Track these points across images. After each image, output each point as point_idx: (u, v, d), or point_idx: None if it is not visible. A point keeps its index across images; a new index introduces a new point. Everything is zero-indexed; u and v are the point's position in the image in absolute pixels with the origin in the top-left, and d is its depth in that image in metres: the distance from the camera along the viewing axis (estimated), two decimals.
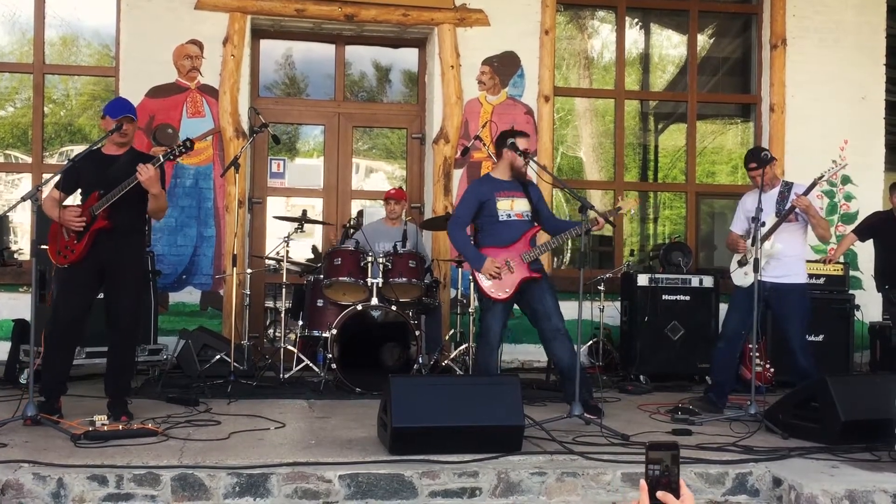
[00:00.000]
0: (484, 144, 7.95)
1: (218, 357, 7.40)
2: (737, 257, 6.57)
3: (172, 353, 7.48)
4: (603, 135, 10.19)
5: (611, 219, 6.21)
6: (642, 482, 2.04)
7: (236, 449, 4.83)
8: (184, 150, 5.75)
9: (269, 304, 9.30)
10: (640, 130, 10.89)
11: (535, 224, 6.26)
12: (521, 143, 6.26)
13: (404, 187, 9.46)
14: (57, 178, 5.74)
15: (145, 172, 5.53)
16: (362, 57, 9.72)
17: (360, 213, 9.15)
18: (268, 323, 9.32)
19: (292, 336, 7.95)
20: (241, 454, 4.69)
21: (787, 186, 6.52)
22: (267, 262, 8.25)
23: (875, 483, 4.44)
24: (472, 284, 7.51)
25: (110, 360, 5.90)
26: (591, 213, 5.97)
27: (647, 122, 11.02)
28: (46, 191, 5.66)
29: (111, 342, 5.91)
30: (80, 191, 5.79)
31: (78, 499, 4.22)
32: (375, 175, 10.61)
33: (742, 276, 6.50)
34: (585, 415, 5.71)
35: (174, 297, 8.66)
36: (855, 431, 5.18)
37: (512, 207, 6.20)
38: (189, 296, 8.70)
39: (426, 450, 4.68)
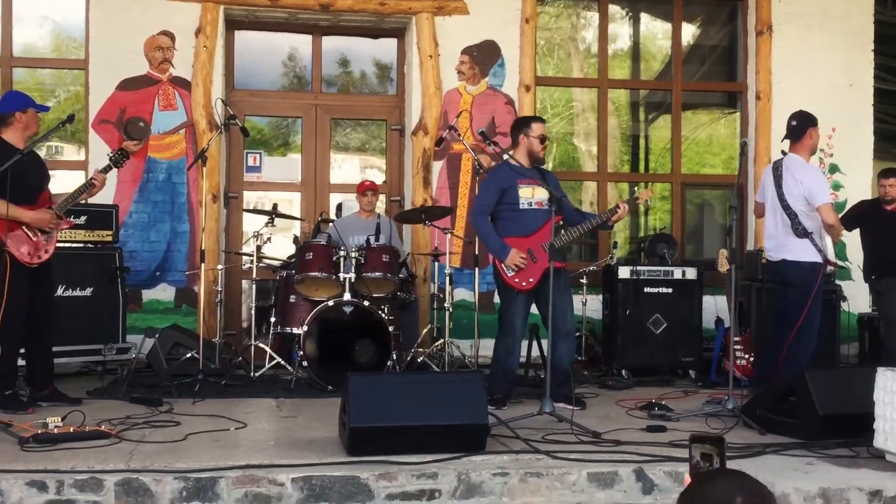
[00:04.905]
0: (459, 134, 7.75)
1: (189, 355, 7.21)
2: None
3: (139, 351, 7.29)
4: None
5: (625, 209, 6.22)
6: (686, 476, 2.00)
7: (190, 451, 4.65)
8: (124, 158, 6.24)
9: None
10: (630, 121, 10.72)
11: (557, 213, 6.11)
12: (537, 129, 6.28)
13: (384, 180, 9.31)
14: None
15: (103, 182, 6.06)
16: (340, 48, 9.51)
17: (340, 207, 8.99)
18: (248, 319, 9.13)
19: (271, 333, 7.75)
20: (194, 457, 4.51)
21: None
22: (244, 257, 8.08)
23: (850, 481, 4.27)
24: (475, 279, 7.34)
25: (47, 352, 6.14)
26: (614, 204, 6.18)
27: (637, 112, 10.84)
28: None
29: (47, 334, 6.09)
30: None
31: None
32: (357, 168, 10.41)
33: None
34: (567, 407, 5.63)
35: (148, 295, 8.47)
36: (834, 426, 5.00)
37: (533, 195, 6.17)
38: (163, 293, 8.51)
39: (386, 450, 4.49)
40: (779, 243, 6.33)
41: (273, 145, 10.10)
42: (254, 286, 7.34)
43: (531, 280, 6.07)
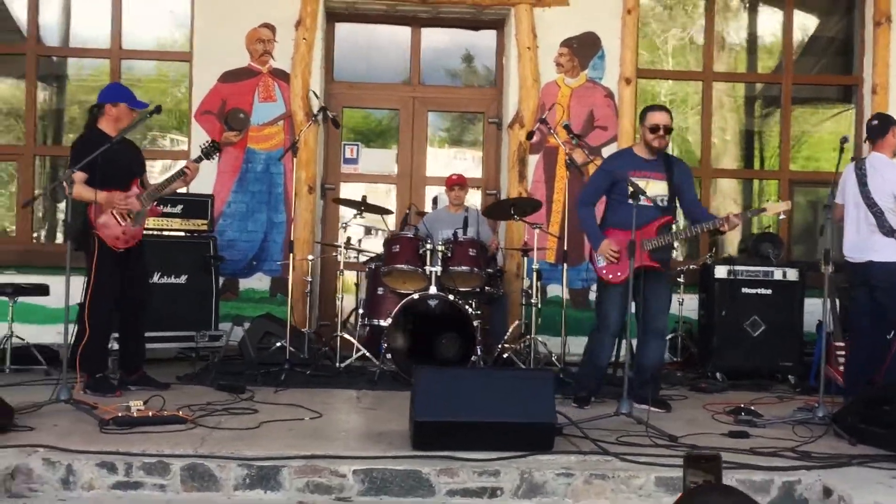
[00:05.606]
0: (551, 128, 7.61)
1: (278, 344, 7.30)
2: None
3: (228, 339, 7.43)
4: (722, 121, 9.72)
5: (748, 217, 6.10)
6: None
7: (260, 439, 4.69)
8: (215, 151, 6.38)
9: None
10: (745, 116, 10.38)
11: (668, 213, 5.95)
12: (650, 118, 6.00)
13: (481, 173, 9.26)
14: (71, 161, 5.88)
15: (195, 172, 6.22)
16: (439, 40, 9.48)
17: (435, 200, 8.97)
18: (350, 312, 9.18)
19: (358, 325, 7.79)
20: (264, 445, 4.54)
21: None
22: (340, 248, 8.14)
23: None
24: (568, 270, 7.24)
25: (138, 338, 6.28)
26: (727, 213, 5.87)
27: (753, 107, 10.49)
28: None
29: (138, 319, 6.26)
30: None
31: (87, 486, 4.15)
32: (453, 161, 10.35)
33: None
34: (652, 408, 5.55)
35: (244, 284, 8.63)
36: None
37: (646, 190, 5.84)
38: (259, 282, 8.65)
39: (451, 446, 4.45)
40: (863, 244, 6.04)
41: (377, 137, 10.16)
42: (342, 276, 7.39)
43: (619, 274, 5.87)
